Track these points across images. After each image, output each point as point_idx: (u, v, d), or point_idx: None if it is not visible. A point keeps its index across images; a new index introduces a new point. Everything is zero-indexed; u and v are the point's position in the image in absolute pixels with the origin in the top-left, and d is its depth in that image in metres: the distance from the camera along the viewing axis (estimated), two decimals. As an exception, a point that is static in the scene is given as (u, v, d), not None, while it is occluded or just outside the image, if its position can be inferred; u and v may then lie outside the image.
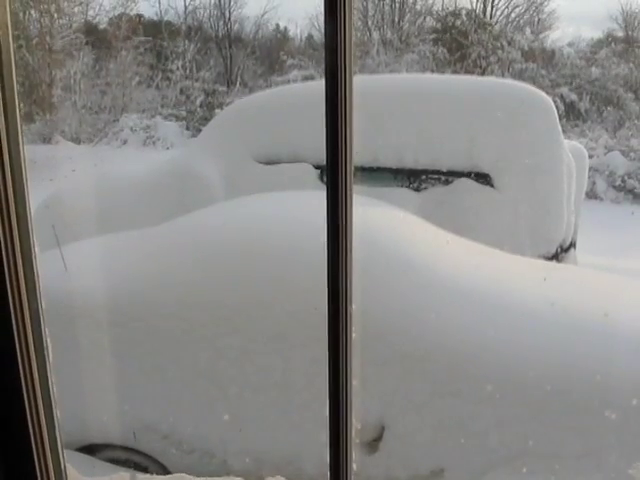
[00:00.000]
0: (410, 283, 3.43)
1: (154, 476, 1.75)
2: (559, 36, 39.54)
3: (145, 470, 3.43)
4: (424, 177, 6.55)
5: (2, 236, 1.07)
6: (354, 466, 1.10)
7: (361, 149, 6.57)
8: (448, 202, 6.36)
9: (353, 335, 1.03)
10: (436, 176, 6.50)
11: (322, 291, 1.18)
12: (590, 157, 13.24)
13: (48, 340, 1.23)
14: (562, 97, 18.77)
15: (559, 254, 6.34)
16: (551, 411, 2.87)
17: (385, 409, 3.11)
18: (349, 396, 1.02)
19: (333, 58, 0.95)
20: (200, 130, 10.15)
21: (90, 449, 3.52)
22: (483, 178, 6.31)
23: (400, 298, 3.34)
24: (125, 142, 19.11)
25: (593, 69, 20.04)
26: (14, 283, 1.10)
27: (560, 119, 6.85)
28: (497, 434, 2.92)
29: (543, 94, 6.64)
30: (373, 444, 3.14)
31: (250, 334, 3.33)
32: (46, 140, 18.37)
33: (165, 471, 3.36)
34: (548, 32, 24.12)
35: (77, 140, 19.17)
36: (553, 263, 5.72)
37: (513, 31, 22.37)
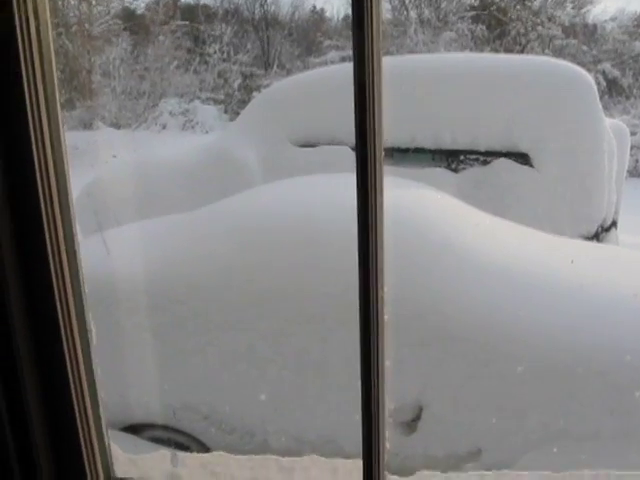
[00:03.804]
0: (448, 264, 3.43)
1: (194, 454, 1.81)
2: (601, 10, 38.44)
3: (187, 449, 3.51)
4: (462, 157, 6.50)
5: (46, 226, 1.11)
6: (387, 445, 1.12)
7: (399, 130, 6.55)
8: (487, 182, 6.32)
9: (385, 317, 1.04)
10: (474, 156, 6.46)
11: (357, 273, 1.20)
12: (633, 134, 12.96)
13: (92, 324, 1.28)
14: (604, 73, 18.38)
15: (600, 234, 6.26)
16: (588, 392, 2.86)
17: (423, 390, 3.13)
18: (381, 378, 1.04)
19: (361, 40, 0.96)
20: (238, 113, 10.18)
21: (134, 429, 3.61)
22: (522, 158, 6.24)
23: (438, 279, 3.35)
24: (164, 127, 19.26)
25: (637, 44, 19.55)
26: (58, 271, 1.14)
27: (602, 96, 6.74)
28: (534, 415, 2.92)
29: (583, 71, 6.53)
30: (412, 424, 3.17)
31: (288, 316, 3.37)
32: (87, 126, 18.59)
33: (207, 450, 3.43)
34: (590, 7, 23.43)
35: (117, 125, 19.37)
36: (592, 243, 5.65)
37: (554, 6, 21.87)
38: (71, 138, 15.55)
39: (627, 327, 2.99)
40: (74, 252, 1.21)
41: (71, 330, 1.18)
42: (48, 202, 1.12)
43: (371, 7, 1.01)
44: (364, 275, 0.99)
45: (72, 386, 1.20)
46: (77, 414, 1.22)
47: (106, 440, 1.35)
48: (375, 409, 1.03)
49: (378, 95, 0.93)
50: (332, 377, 3.22)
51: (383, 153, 0.95)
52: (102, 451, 1.31)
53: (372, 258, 0.97)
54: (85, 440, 1.25)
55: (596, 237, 6.20)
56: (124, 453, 1.49)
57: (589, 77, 6.50)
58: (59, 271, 1.15)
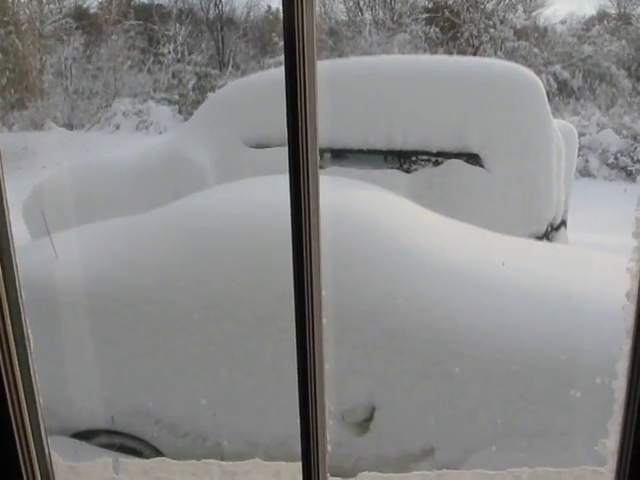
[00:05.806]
0: (399, 265, 3.45)
1: (136, 459, 1.79)
2: (552, 14, 39.10)
3: (140, 454, 3.47)
4: (414, 158, 6.56)
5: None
6: (329, 447, 1.12)
7: (352, 131, 6.58)
8: (438, 183, 6.38)
9: (324, 320, 1.04)
10: (426, 157, 6.52)
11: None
12: (583, 135, 13.24)
13: (29, 330, 1.25)
14: (555, 75, 18.72)
15: (549, 233, 6.38)
16: (537, 389, 2.91)
17: (375, 390, 3.14)
18: (319, 381, 1.04)
19: (292, 42, 0.96)
20: (193, 114, 10.12)
21: (85, 435, 3.55)
22: (473, 159, 6.33)
23: (388, 280, 3.36)
24: (118, 127, 19.06)
25: (586, 46, 19.96)
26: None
27: (553, 97, 6.87)
28: (485, 413, 2.96)
29: (532, 74, 6.65)
30: (364, 424, 3.18)
31: (240, 318, 3.36)
32: (38, 126, 18.30)
33: (159, 454, 3.39)
34: (541, 10, 23.90)
35: (69, 126, 19.11)
36: (540, 242, 5.75)
37: (505, 9, 22.22)
38: (22, 139, 15.29)
39: (572, 326, 3.04)
40: (9, 257, 1.18)
41: (6, 336, 1.16)
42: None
43: (302, 11, 1.00)
44: (298, 278, 0.99)
45: (7, 395, 1.17)
46: (13, 423, 1.19)
47: (46, 449, 1.32)
48: (313, 413, 1.03)
49: (311, 96, 0.92)
50: (285, 379, 3.22)
51: (318, 157, 0.95)
52: (41, 460, 1.29)
53: (307, 262, 0.97)
54: (22, 449, 1.22)
55: (546, 236, 6.31)
56: (65, 461, 1.47)
57: (538, 80, 6.62)
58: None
